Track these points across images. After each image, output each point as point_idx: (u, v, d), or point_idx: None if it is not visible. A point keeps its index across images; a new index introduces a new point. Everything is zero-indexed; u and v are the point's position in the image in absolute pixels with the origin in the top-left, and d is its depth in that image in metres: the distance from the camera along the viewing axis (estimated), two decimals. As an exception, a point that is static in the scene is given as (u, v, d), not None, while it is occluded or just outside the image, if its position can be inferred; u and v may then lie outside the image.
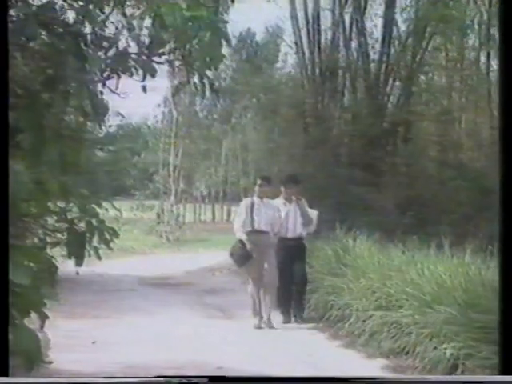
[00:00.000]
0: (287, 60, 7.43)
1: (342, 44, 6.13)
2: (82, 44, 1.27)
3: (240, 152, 10.13)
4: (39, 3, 1.31)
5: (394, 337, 2.45)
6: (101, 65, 1.32)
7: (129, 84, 1.40)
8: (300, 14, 6.09)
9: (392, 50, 6.02)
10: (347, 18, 6.07)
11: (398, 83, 6.11)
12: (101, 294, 4.01)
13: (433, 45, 6.13)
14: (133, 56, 1.34)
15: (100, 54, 1.33)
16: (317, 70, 6.10)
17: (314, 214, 3.28)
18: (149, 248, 7.66)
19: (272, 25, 8.79)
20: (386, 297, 2.66)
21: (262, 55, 9.34)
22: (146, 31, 1.37)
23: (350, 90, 6.24)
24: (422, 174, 5.71)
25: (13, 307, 0.95)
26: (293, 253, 3.18)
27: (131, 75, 1.35)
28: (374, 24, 6.18)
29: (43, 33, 1.26)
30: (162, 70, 1.49)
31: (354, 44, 6.10)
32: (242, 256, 3.03)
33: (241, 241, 3.04)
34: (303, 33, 6.10)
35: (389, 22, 5.95)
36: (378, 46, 6.07)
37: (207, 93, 1.45)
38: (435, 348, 2.17)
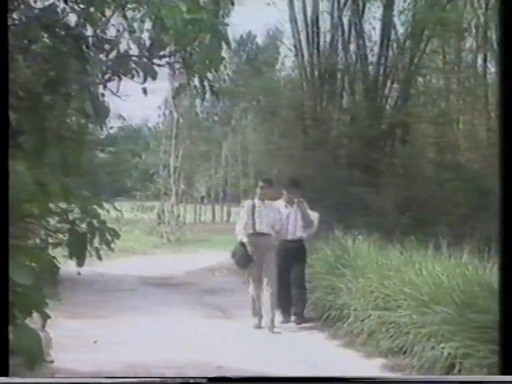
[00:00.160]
0: (287, 62, 7.49)
1: (340, 47, 6.19)
2: (84, 46, 1.28)
3: (240, 153, 10.18)
4: (41, 6, 1.32)
5: (393, 336, 2.46)
6: (102, 67, 1.33)
7: (130, 86, 1.41)
8: (299, 17, 6.15)
9: (390, 53, 6.06)
10: (346, 21, 6.12)
11: (396, 85, 6.14)
12: (102, 293, 4.03)
13: (430, 47, 6.16)
14: (134, 58, 1.35)
15: (101, 56, 1.34)
16: (316, 73, 6.14)
17: (314, 216, 3.29)
18: (149, 248, 7.69)
19: (272, 28, 8.86)
20: (385, 297, 2.67)
21: (262, 58, 9.40)
22: (146, 34, 1.37)
23: (348, 92, 6.28)
24: (420, 175, 5.74)
25: (15, 307, 0.96)
26: (293, 255, 3.19)
27: (132, 77, 1.35)
28: (373, 27, 6.22)
29: (45, 35, 1.27)
30: (163, 72, 1.48)
31: (352, 47, 6.16)
32: (243, 258, 3.04)
33: (242, 243, 3.05)
34: (302, 35, 6.16)
35: (387, 24, 6.00)
36: (376, 49, 6.11)
37: (207, 95, 1.46)
38: (433, 347, 2.19)
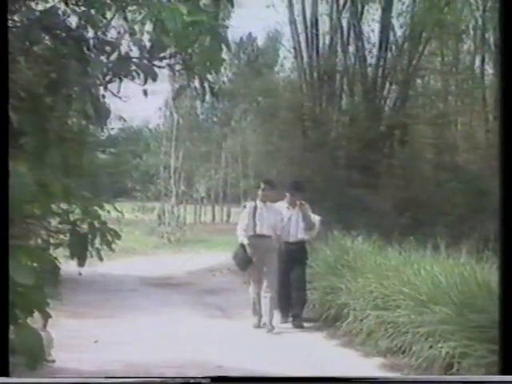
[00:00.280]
0: (286, 64, 7.54)
1: (339, 48, 6.21)
2: (85, 48, 1.29)
3: (240, 154, 10.21)
4: (42, 8, 1.33)
5: (391, 336, 2.48)
6: (103, 69, 1.33)
7: (130, 88, 1.40)
8: (299, 20, 6.18)
9: (389, 55, 6.09)
10: (345, 23, 6.15)
11: (394, 87, 6.17)
12: (103, 293, 4.04)
13: (429, 49, 6.19)
14: (134, 60, 1.35)
15: (102, 58, 1.34)
16: (315, 74, 6.17)
17: (316, 219, 3.30)
18: (150, 249, 7.71)
19: (271, 30, 8.91)
20: (384, 296, 2.69)
21: (262, 60, 9.44)
22: (147, 36, 1.37)
23: (347, 94, 6.31)
24: (419, 176, 5.76)
25: (16, 307, 0.96)
26: (294, 256, 3.20)
27: (133, 79, 1.36)
28: (371, 29, 6.27)
29: (46, 37, 1.28)
30: (163, 73, 1.48)
31: (351, 48, 6.19)
32: (244, 260, 3.05)
33: (242, 245, 3.06)
34: (302, 38, 6.19)
35: (385, 27, 6.03)
36: (375, 51, 6.14)
37: (207, 96, 1.47)
38: (431, 347, 2.21)
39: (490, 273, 2.35)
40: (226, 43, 1.37)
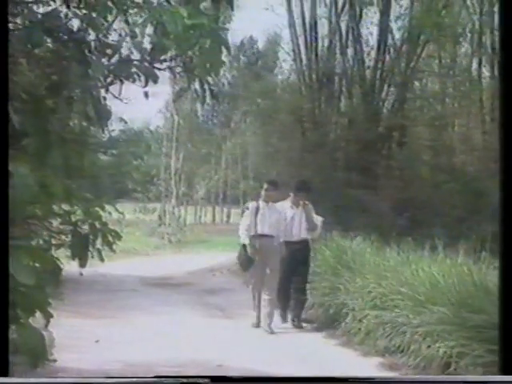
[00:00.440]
0: (285, 66, 7.60)
1: (338, 51, 6.25)
2: (86, 51, 1.30)
3: (239, 156, 10.26)
4: (44, 11, 1.36)
5: (389, 335, 2.48)
6: (104, 71, 1.34)
7: (131, 90, 1.42)
8: (298, 23, 6.22)
9: (387, 57, 6.13)
10: (343, 26, 6.19)
11: (392, 89, 6.20)
12: (104, 293, 4.05)
13: (426, 52, 6.23)
14: (135, 63, 1.37)
15: (103, 60, 1.35)
16: (314, 77, 6.21)
17: (319, 220, 3.29)
18: (151, 249, 7.71)
19: (271, 33, 8.97)
20: (382, 296, 2.69)
21: (262, 62, 9.50)
22: (148, 38, 1.39)
23: (346, 96, 6.34)
24: (417, 178, 5.77)
25: (18, 306, 0.96)
26: (297, 256, 3.18)
27: (134, 81, 1.37)
28: (370, 32, 6.31)
29: (48, 40, 1.29)
30: (164, 76, 1.50)
31: (350, 51, 6.22)
32: (246, 260, 3.05)
33: (244, 245, 3.06)
34: (301, 40, 6.22)
35: (384, 29, 6.07)
36: (373, 53, 6.19)
37: (207, 98, 1.48)
38: (429, 346, 2.21)
39: (487, 273, 2.38)
40: (226, 46, 1.39)
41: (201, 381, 1.36)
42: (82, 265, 1.35)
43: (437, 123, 6.27)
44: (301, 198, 3.23)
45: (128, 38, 1.41)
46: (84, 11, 1.36)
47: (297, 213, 3.24)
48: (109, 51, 1.37)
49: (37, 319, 1.04)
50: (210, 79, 1.46)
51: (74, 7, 1.37)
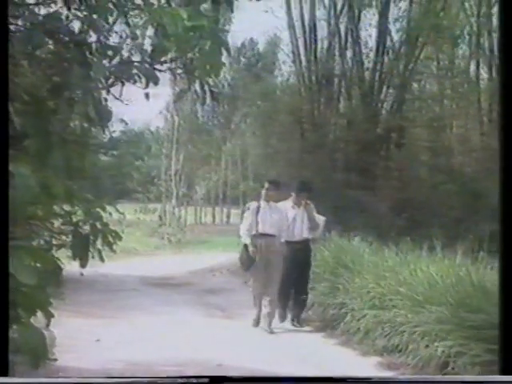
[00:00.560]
0: (285, 68, 7.65)
1: (337, 53, 6.29)
2: (87, 52, 1.31)
3: (239, 157, 10.30)
4: (45, 13, 1.35)
5: (388, 335, 2.50)
6: (105, 72, 1.34)
7: (132, 91, 1.42)
8: (297, 25, 6.25)
9: (386, 59, 6.16)
10: (342, 28, 6.23)
11: (391, 90, 6.24)
12: (104, 293, 4.06)
13: (425, 54, 6.25)
14: (136, 64, 1.37)
15: (104, 62, 1.35)
16: (313, 78, 6.25)
17: (321, 219, 3.29)
18: (151, 249, 7.74)
19: (271, 35, 9.02)
20: (381, 296, 2.71)
21: (261, 64, 9.55)
22: (148, 40, 1.40)
23: (345, 97, 6.38)
24: (415, 178, 5.80)
25: (19, 306, 0.97)
26: (299, 256, 3.18)
27: (134, 82, 1.37)
28: (369, 34, 6.33)
29: (49, 42, 1.30)
30: (164, 77, 1.50)
31: (349, 53, 6.25)
32: (247, 260, 3.04)
33: (245, 245, 3.06)
34: (300, 42, 6.26)
35: (382, 31, 6.11)
36: (372, 55, 6.21)
37: (208, 99, 1.49)
38: (427, 346, 2.23)
39: (484, 273, 2.39)
40: (226, 47, 1.40)
41: (200, 381, 1.37)
42: (83, 265, 1.36)
43: (435, 124, 6.30)
44: (302, 198, 3.24)
45: (129, 40, 1.43)
46: (85, 13, 1.38)
47: (298, 213, 3.24)
48: (110, 53, 1.39)
49: (38, 319, 1.05)
50: (210, 81, 1.48)
51: (75, 9, 1.38)
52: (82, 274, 1.52)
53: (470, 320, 2.13)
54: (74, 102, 1.32)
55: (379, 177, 5.78)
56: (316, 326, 3.18)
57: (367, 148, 5.82)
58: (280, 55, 8.36)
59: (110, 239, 1.39)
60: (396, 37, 6.25)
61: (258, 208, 3.13)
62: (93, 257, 1.40)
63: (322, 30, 6.28)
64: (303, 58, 6.31)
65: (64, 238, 1.43)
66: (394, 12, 6.21)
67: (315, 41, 6.26)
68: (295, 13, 6.25)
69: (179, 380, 1.44)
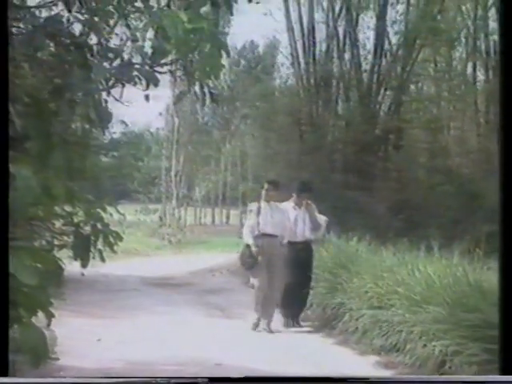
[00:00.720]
0: (284, 70, 7.71)
1: (335, 55, 6.33)
2: (88, 55, 1.32)
3: (239, 158, 10.34)
4: (47, 15, 1.37)
5: (386, 334, 2.51)
6: (106, 74, 1.35)
7: (132, 93, 1.43)
8: (296, 27, 6.30)
9: (383, 61, 6.21)
10: (341, 31, 6.28)
11: (389, 92, 6.28)
12: (105, 293, 4.06)
13: (422, 56, 6.30)
14: (136, 66, 1.37)
15: (105, 64, 1.36)
16: (312, 80, 6.29)
17: (322, 219, 3.30)
18: (152, 250, 7.76)
19: (270, 37, 9.07)
20: (378, 296, 2.73)
21: (261, 66, 9.60)
22: (149, 42, 1.40)
23: (343, 99, 6.43)
24: (413, 179, 5.83)
25: (20, 306, 0.97)
26: (300, 256, 3.18)
27: (135, 84, 1.38)
28: (367, 36, 6.38)
29: (50, 44, 1.31)
30: (165, 79, 1.49)
31: (347, 55, 6.31)
32: (249, 260, 3.05)
33: (247, 245, 3.07)
34: (299, 45, 6.30)
35: (380, 34, 6.16)
36: (370, 57, 6.26)
37: (207, 101, 1.50)
38: (425, 345, 2.24)
39: (481, 273, 2.42)
40: (226, 50, 1.40)
41: (199, 381, 1.40)
42: (84, 265, 1.38)
43: (432, 126, 6.33)
44: (303, 199, 3.25)
45: (129, 42, 1.44)
46: (86, 16, 1.39)
47: (300, 213, 3.25)
48: (110, 55, 1.40)
49: (39, 319, 1.05)
50: (209, 82, 1.48)
51: (76, 12, 1.39)
52: (82, 274, 1.54)
53: (466, 319, 2.15)
54: (75, 103, 1.34)
55: (377, 178, 5.81)
56: (315, 326, 3.20)
57: (365, 149, 5.86)
58: (279, 57, 8.43)
59: (111, 240, 1.41)
60: (394, 39, 6.32)
61: (259, 209, 3.14)
62: (94, 257, 1.42)
63: (321, 33, 6.34)
64: (302, 60, 6.36)
65: (65, 238, 1.44)
66: (391, 15, 6.27)
67: (314, 43, 6.30)
68: (294, 15, 6.31)
69: (179, 380, 1.46)
